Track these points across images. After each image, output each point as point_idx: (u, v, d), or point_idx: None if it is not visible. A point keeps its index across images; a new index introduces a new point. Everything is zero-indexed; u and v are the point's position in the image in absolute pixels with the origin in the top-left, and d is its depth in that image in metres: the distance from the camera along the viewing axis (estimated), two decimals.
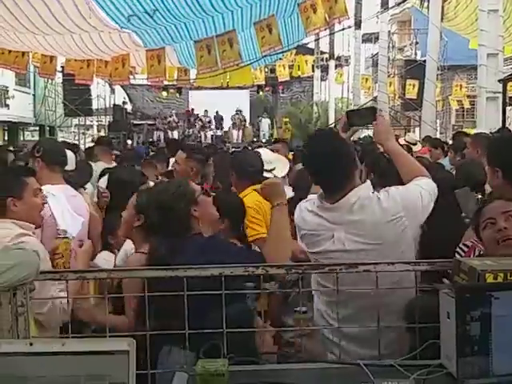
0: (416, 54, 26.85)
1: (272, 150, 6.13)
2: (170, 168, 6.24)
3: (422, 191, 2.70)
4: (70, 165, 4.53)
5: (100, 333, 2.84)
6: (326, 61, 26.84)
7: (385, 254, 2.53)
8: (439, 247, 3.59)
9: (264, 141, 21.49)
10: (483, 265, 2.01)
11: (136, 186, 3.78)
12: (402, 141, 10.26)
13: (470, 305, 1.85)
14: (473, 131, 9.41)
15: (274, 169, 4.88)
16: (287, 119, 26.02)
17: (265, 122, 26.57)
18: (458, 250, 3.48)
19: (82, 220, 3.71)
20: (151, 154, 11.71)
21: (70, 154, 4.66)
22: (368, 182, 2.83)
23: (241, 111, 28.79)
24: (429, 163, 6.40)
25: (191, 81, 20.32)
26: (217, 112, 28.26)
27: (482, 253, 3.27)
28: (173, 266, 2.17)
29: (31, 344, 1.64)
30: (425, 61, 16.04)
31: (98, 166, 6.42)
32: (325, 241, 2.67)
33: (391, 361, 2.05)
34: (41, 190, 3.15)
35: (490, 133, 7.16)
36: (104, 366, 1.62)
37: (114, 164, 7.29)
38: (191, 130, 26.80)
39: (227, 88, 26.27)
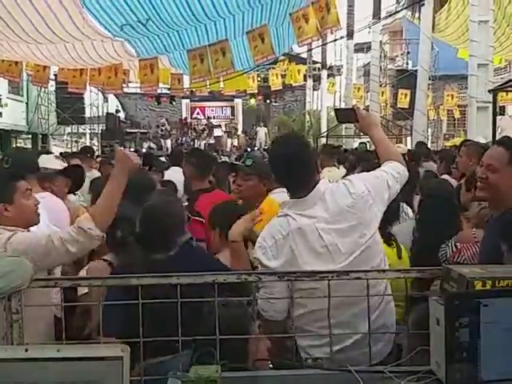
0: (407, 63, 27.04)
1: None
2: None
3: (382, 173, 2.93)
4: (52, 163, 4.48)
5: (94, 337, 2.88)
6: (319, 70, 26.99)
7: (359, 230, 2.74)
8: (430, 256, 3.64)
9: (256, 149, 21.47)
10: (472, 272, 2.04)
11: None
12: None
13: (459, 312, 1.87)
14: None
15: None
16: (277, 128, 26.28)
17: (261, 131, 26.63)
18: (448, 243, 3.56)
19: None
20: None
21: (47, 156, 4.65)
22: (325, 179, 3.04)
23: (233, 119, 28.88)
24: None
25: (184, 89, 20.33)
26: (208, 120, 28.30)
27: (464, 261, 3.37)
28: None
29: (26, 350, 1.65)
30: (416, 70, 16.18)
31: (92, 174, 6.44)
32: (311, 234, 2.73)
33: (381, 367, 2.07)
34: (31, 190, 3.13)
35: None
36: (98, 372, 1.63)
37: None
38: (184, 139, 26.80)
39: (221, 95, 26.38)
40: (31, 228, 3.09)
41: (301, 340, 2.71)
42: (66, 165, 4.60)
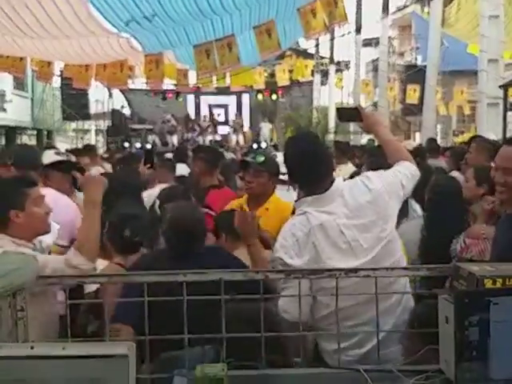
0: (416, 58, 26.90)
1: None
2: None
3: (397, 173, 2.93)
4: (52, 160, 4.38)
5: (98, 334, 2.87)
6: (326, 66, 26.88)
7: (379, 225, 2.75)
8: (439, 253, 3.62)
9: (264, 146, 21.38)
10: (482, 270, 2.02)
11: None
12: None
13: (469, 310, 1.86)
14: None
15: None
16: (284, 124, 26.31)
17: (265, 127, 26.54)
18: (458, 239, 3.53)
19: (57, 227, 3.64)
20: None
21: (48, 152, 4.57)
22: (340, 177, 3.03)
23: (240, 115, 28.77)
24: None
25: (190, 85, 20.30)
26: (212, 116, 28.18)
27: (472, 257, 3.35)
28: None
29: (32, 347, 1.64)
30: (425, 66, 16.06)
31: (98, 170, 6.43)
32: (332, 230, 2.71)
33: (390, 366, 2.06)
34: (43, 197, 3.07)
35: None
36: (104, 369, 1.62)
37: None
38: (189, 135, 26.71)
39: (227, 91, 26.27)
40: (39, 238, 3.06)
41: (325, 344, 2.68)
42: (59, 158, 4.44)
